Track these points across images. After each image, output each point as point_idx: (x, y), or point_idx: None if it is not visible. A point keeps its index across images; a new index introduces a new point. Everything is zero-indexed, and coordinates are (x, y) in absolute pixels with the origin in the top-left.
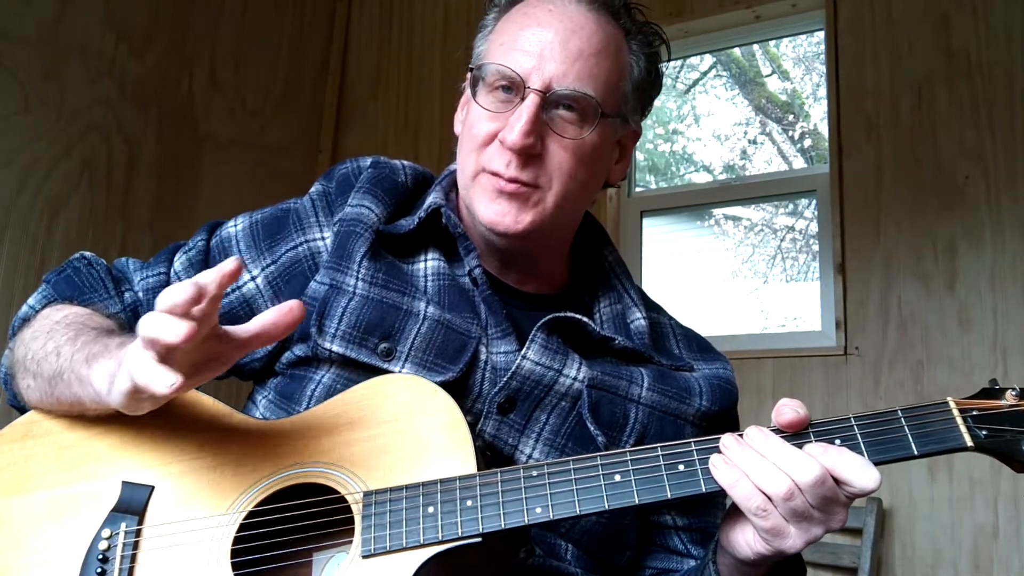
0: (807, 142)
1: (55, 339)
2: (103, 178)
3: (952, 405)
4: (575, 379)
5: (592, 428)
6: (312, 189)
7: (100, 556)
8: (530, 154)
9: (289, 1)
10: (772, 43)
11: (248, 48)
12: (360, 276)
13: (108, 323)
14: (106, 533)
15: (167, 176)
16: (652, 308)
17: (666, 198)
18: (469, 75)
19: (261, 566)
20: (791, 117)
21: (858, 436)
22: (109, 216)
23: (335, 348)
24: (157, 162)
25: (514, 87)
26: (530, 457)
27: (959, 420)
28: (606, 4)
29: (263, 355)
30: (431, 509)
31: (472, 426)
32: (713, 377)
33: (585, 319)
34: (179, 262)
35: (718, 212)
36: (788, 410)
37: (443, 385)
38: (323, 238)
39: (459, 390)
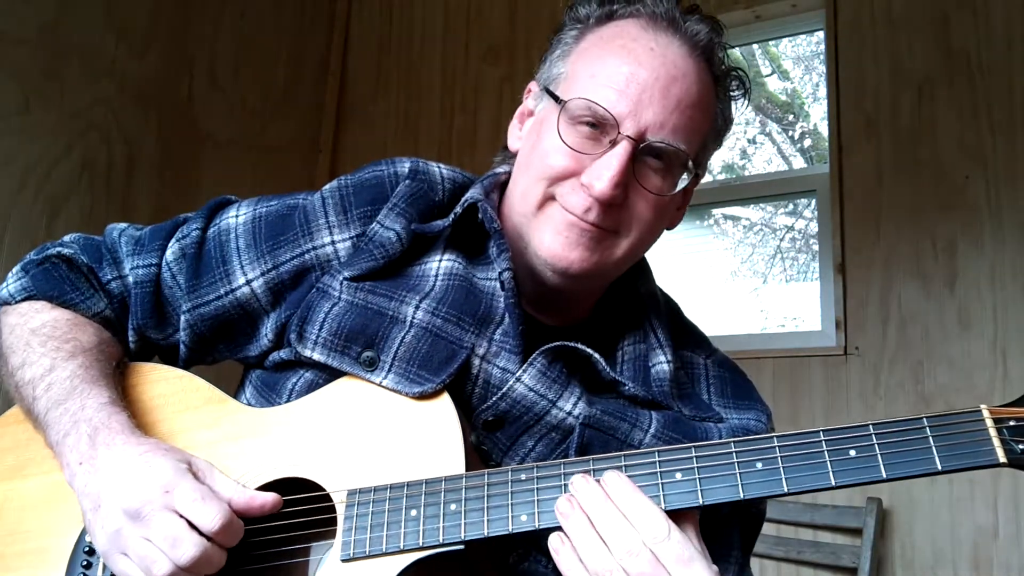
0: (807, 142)
1: (31, 367)
2: (103, 178)
3: (986, 414)
4: (569, 413)
5: None
6: (329, 185)
7: (87, 548)
8: (612, 203)
9: (289, 1)
10: (772, 43)
11: (248, 48)
12: (345, 281)
13: (86, 338)
14: None
15: (167, 176)
16: (690, 343)
17: None
18: (548, 99)
19: (250, 560)
20: (791, 117)
21: (876, 446)
22: (109, 216)
23: (316, 356)
24: (157, 162)
25: (603, 127)
26: None
27: (992, 432)
28: (706, 48)
29: (257, 353)
30: (413, 512)
31: None
32: (740, 429)
33: (596, 355)
34: (171, 251)
35: (717, 212)
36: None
37: (424, 395)
38: (332, 242)
39: None
